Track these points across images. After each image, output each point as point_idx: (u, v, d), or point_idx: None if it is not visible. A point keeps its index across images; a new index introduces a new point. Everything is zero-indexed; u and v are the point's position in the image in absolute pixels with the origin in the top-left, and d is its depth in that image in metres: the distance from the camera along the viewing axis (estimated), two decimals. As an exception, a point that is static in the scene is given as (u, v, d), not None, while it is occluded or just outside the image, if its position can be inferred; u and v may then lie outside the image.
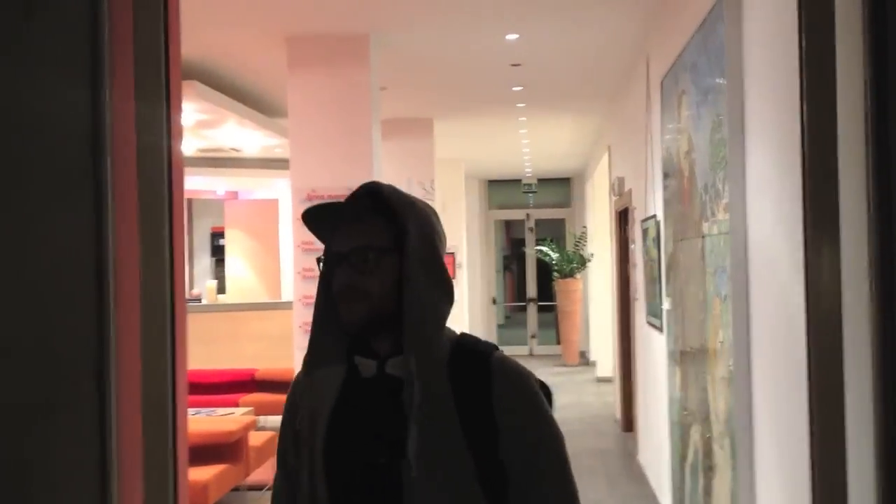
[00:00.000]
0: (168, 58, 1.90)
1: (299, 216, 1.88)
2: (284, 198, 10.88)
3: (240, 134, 8.97)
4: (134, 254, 1.81)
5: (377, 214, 1.78)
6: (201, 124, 8.22)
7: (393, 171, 9.42)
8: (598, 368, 12.51)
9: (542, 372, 13.44)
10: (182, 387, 1.93)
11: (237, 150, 10.11)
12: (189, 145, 9.22)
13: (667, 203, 5.26)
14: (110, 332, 1.72)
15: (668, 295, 5.31)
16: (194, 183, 10.65)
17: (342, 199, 1.81)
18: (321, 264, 1.82)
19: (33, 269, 1.64)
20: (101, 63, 1.76)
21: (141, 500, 1.80)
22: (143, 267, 1.82)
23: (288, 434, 1.89)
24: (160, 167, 1.88)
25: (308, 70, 6.31)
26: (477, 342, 1.85)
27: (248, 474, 6.53)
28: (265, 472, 6.68)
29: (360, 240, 1.75)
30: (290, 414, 1.89)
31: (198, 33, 6.01)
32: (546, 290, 15.99)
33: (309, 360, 1.83)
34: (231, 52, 6.79)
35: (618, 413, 9.35)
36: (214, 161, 10.38)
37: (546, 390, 1.88)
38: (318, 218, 1.82)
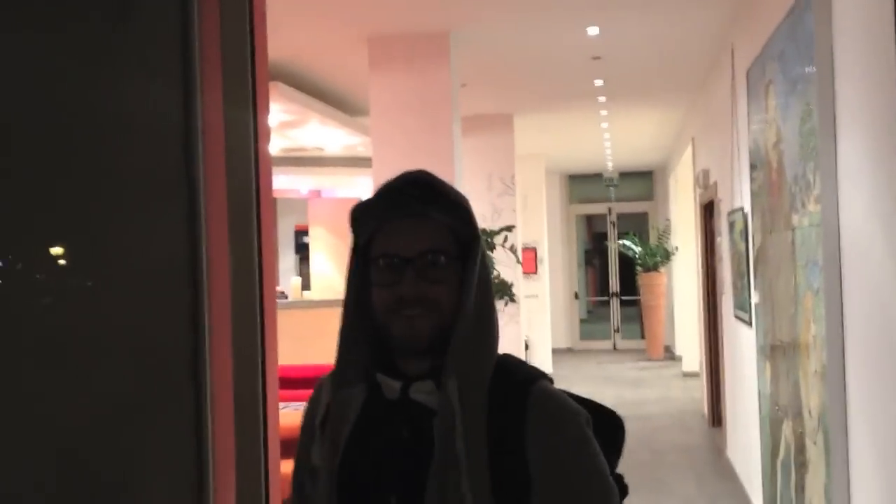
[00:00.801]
0: (255, 62, 1.94)
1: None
2: (367, 196, 10.94)
3: (322, 133, 9.08)
4: (224, 253, 1.85)
5: (436, 210, 1.52)
6: (285, 124, 8.35)
7: (474, 168, 9.43)
8: (684, 363, 12.30)
9: (627, 367, 13.31)
10: (272, 382, 1.97)
11: (320, 149, 10.23)
12: (273, 145, 9.37)
13: (754, 195, 5.15)
14: (205, 330, 1.76)
15: (756, 288, 5.20)
16: (278, 182, 10.80)
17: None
18: (371, 267, 1.54)
19: (131, 270, 1.69)
20: (192, 67, 1.80)
21: (234, 491, 1.84)
22: (232, 266, 1.86)
23: (302, 454, 1.67)
24: (248, 168, 1.92)
25: (389, 69, 6.37)
26: (519, 366, 1.55)
27: (333, 468, 6.62)
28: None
29: (430, 242, 1.50)
30: (306, 434, 1.67)
31: (280, 35, 6.11)
32: (629, 285, 15.80)
33: (337, 378, 1.58)
34: (313, 53, 6.89)
35: (705, 408, 9.19)
36: (298, 160, 10.52)
37: (617, 423, 1.60)
38: (364, 214, 1.58)
